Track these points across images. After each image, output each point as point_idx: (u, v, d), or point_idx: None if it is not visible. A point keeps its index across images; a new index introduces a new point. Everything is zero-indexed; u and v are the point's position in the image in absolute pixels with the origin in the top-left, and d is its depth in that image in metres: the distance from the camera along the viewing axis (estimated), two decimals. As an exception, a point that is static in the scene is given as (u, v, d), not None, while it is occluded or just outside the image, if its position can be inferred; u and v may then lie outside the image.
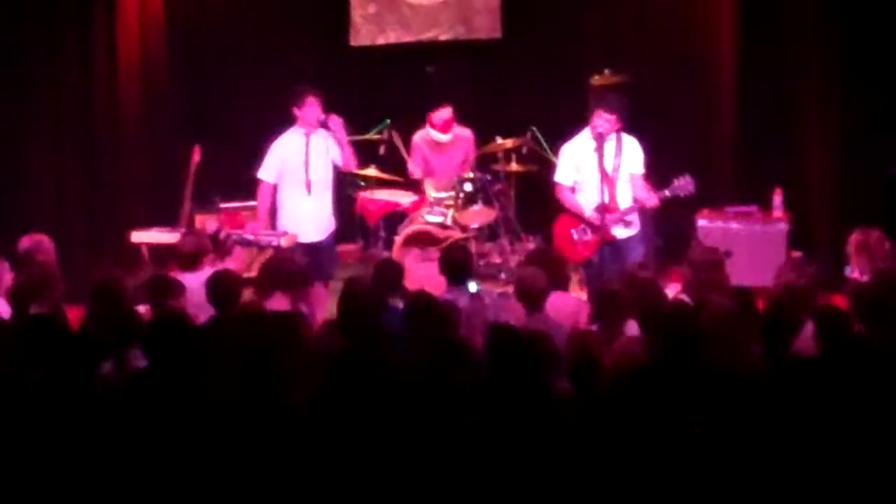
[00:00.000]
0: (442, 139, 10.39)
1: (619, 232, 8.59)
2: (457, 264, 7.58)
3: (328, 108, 10.07)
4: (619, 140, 8.59)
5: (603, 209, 8.47)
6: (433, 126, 10.37)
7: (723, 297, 6.58)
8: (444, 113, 10.34)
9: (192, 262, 7.86)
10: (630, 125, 8.75)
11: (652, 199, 8.58)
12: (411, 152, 10.58)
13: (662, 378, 5.31)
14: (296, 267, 7.37)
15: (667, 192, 8.55)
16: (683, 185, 8.53)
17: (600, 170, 8.47)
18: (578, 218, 8.64)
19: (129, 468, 5.00)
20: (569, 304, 7.35)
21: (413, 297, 6.68)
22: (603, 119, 8.50)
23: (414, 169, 10.53)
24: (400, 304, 6.83)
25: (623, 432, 4.93)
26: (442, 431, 5.02)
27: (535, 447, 4.88)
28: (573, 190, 8.69)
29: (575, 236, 8.65)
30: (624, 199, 8.60)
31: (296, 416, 5.17)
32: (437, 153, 10.53)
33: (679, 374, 5.41)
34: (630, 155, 8.63)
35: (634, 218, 8.67)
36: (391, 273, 7.46)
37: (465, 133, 10.54)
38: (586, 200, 8.60)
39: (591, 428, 5.03)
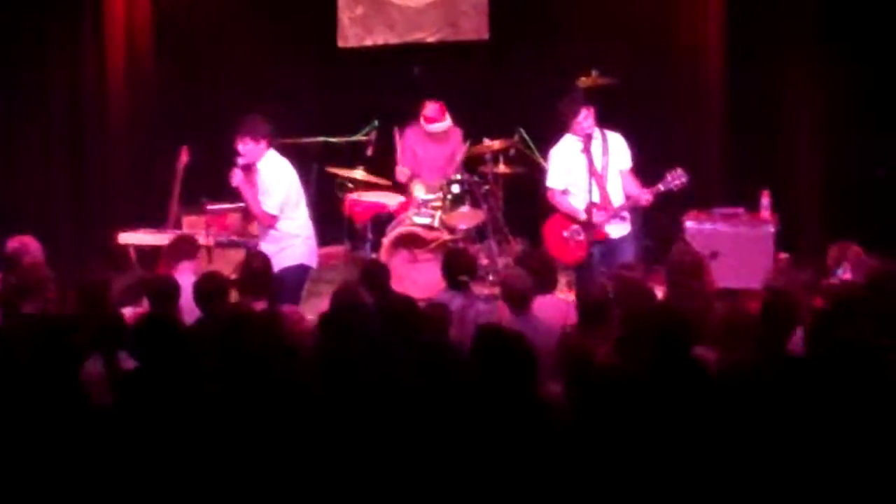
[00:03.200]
0: (439, 128, 10.46)
1: (613, 231, 8.62)
2: (460, 269, 7.57)
3: (317, 110, 10.11)
4: (604, 138, 8.63)
5: (593, 208, 8.51)
6: (427, 120, 10.44)
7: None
8: (433, 106, 10.47)
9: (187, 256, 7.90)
10: (617, 126, 8.78)
11: (646, 196, 8.59)
12: (402, 146, 10.61)
13: (647, 381, 5.31)
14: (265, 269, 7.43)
15: (660, 187, 8.56)
16: (676, 177, 8.55)
17: (590, 170, 8.52)
18: (570, 219, 8.66)
19: (117, 469, 5.00)
20: (556, 306, 7.35)
21: (392, 302, 6.68)
22: (586, 118, 8.54)
23: (402, 171, 10.54)
24: None
25: (609, 435, 4.93)
26: (426, 434, 5.02)
27: (520, 449, 4.88)
28: (565, 193, 8.72)
29: (566, 235, 8.67)
30: (616, 197, 8.63)
31: (282, 417, 5.17)
32: (427, 146, 10.57)
33: (666, 376, 5.41)
34: (617, 151, 8.66)
35: (626, 216, 8.69)
36: (378, 274, 7.46)
37: (455, 130, 10.59)
38: (578, 202, 8.63)
39: (576, 430, 5.04)
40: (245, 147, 8.56)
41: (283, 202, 8.56)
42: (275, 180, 8.58)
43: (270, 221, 8.56)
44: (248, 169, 8.63)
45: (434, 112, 10.48)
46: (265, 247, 8.50)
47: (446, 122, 10.51)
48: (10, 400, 5.39)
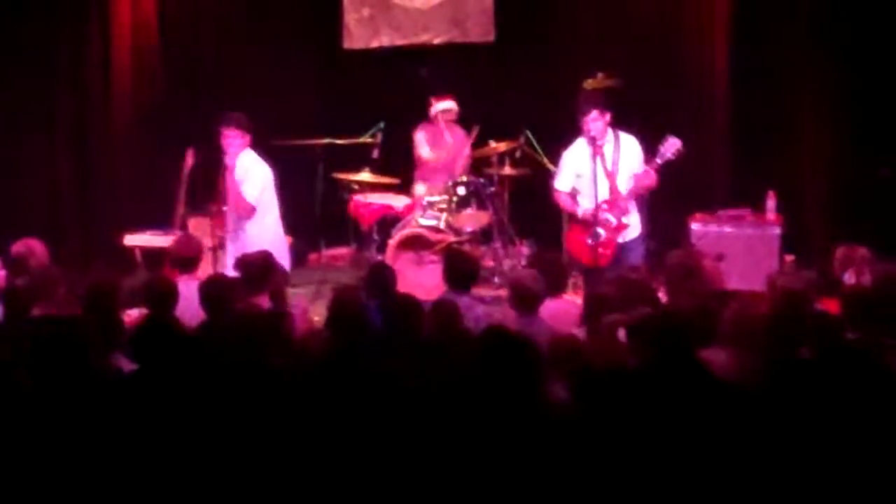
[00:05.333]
0: (447, 105, 10.50)
1: (625, 233, 8.64)
2: (462, 272, 7.55)
3: (322, 112, 10.08)
4: (616, 139, 8.64)
5: (601, 207, 8.58)
6: (437, 99, 10.53)
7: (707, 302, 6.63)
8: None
9: (189, 264, 7.85)
10: (624, 128, 8.78)
11: (650, 177, 8.57)
12: (415, 145, 10.61)
13: (651, 381, 5.31)
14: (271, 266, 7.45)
15: (658, 160, 8.54)
16: (670, 146, 8.52)
17: (603, 171, 8.55)
18: (585, 223, 8.67)
19: (117, 469, 5.01)
20: (564, 309, 7.34)
21: (396, 304, 6.68)
22: (593, 122, 8.54)
23: (422, 152, 10.58)
24: None
25: (611, 437, 4.93)
26: (431, 435, 5.03)
27: (525, 451, 4.87)
28: (572, 196, 8.75)
29: (590, 242, 8.65)
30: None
31: (284, 418, 5.17)
32: (435, 143, 10.57)
33: (670, 378, 5.40)
34: (629, 153, 8.67)
35: (636, 219, 8.70)
36: (383, 277, 7.46)
37: (461, 131, 10.60)
38: (587, 204, 8.67)
39: (580, 432, 5.04)
40: (232, 138, 8.71)
41: (259, 196, 8.70)
42: (252, 176, 8.72)
43: (250, 210, 8.71)
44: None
45: (444, 98, 10.57)
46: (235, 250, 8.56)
47: (451, 102, 10.54)
48: (13, 401, 5.40)
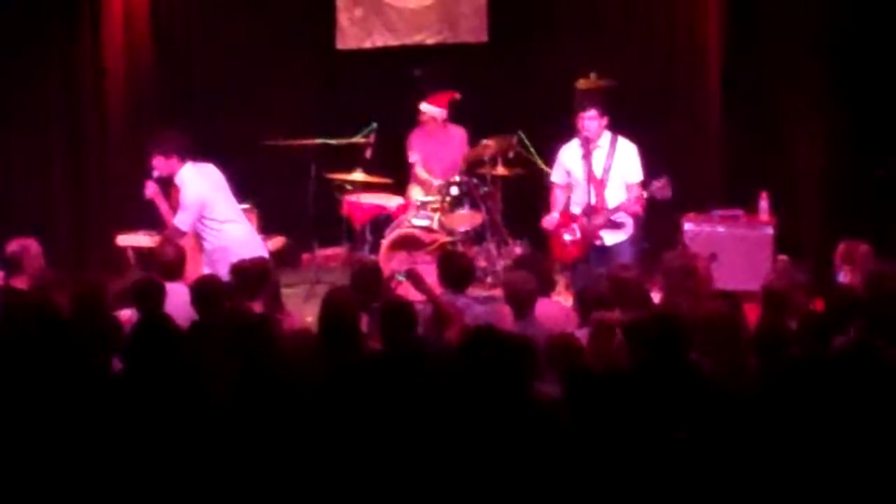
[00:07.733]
0: (426, 108, 10.48)
1: (608, 238, 8.67)
2: (458, 272, 7.55)
3: (316, 112, 10.05)
4: (612, 144, 8.66)
5: (589, 211, 8.63)
6: (431, 101, 10.48)
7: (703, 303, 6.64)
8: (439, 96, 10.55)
9: (173, 271, 7.80)
10: (617, 128, 8.80)
11: (634, 207, 8.62)
12: (409, 148, 10.61)
13: (645, 382, 5.32)
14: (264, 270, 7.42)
15: (644, 194, 8.60)
16: (660, 188, 8.57)
17: (588, 174, 8.56)
18: (567, 219, 8.72)
19: (108, 471, 5.02)
20: (555, 310, 7.35)
21: (384, 304, 6.69)
22: (589, 121, 8.57)
23: (413, 154, 10.57)
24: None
25: (605, 438, 4.94)
26: (421, 436, 5.03)
27: (513, 450, 4.88)
28: (568, 188, 8.84)
29: (566, 237, 8.74)
30: (614, 204, 8.67)
31: (275, 420, 5.18)
32: (428, 146, 10.56)
33: (663, 378, 5.41)
34: (624, 161, 8.69)
35: (626, 221, 8.72)
36: (370, 278, 7.45)
37: (459, 131, 10.58)
38: (577, 202, 8.76)
39: (573, 433, 5.04)
40: (157, 162, 8.60)
41: (193, 219, 8.50)
42: (184, 196, 8.56)
43: (178, 236, 8.48)
44: (170, 183, 8.66)
45: (434, 97, 10.53)
46: (212, 260, 8.51)
47: (437, 110, 10.52)
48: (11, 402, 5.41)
